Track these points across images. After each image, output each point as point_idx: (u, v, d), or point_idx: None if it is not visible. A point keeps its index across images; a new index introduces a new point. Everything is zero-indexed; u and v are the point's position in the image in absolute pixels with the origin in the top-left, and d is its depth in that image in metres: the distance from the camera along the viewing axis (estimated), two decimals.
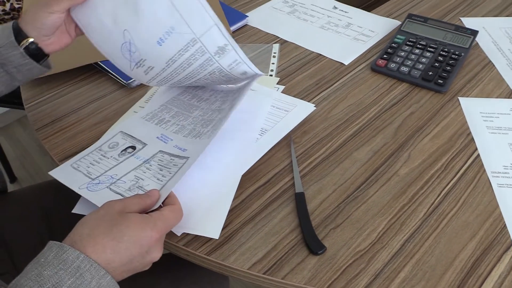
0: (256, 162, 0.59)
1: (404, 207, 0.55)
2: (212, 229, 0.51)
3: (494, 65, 0.75)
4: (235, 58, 0.58)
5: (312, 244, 0.51)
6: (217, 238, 0.51)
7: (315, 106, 0.66)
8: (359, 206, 0.55)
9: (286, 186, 0.57)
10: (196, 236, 0.52)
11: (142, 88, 0.73)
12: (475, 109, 0.67)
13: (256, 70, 0.59)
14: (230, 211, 0.54)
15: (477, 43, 0.80)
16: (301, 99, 0.68)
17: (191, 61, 0.58)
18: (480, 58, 0.77)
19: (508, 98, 0.69)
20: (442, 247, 0.50)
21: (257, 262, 0.50)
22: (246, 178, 0.58)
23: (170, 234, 0.52)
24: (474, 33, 0.77)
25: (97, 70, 0.77)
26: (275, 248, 0.51)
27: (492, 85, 0.71)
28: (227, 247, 0.51)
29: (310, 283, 0.48)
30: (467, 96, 0.69)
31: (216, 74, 0.61)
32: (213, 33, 0.54)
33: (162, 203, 0.50)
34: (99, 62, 0.76)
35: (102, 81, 0.75)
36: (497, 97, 0.69)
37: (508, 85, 0.71)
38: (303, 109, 0.66)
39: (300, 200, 0.55)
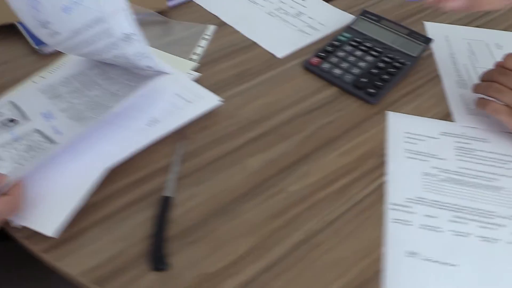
0: (137, 155, 0.54)
1: (278, 230, 0.48)
2: (49, 225, 0.46)
3: (441, 80, 0.66)
4: (142, 51, 0.53)
5: (154, 258, 0.45)
6: (52, 235, 0.46)
7: (222, 101, 0.59)
8: (228, 222, 0.49)
9: (159, 186, 0.52)
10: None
11: (55, 56, 0.68)
12: (401, 127, 0.59)
13: (162, 68, 0.55)
14: (87, 207, 0.48)
15: (433, 53, 0.71)
16: (215, 91, 0.62)
17: (96, 39, 0.53)
18: (429, 70, 0.68)
19: (444, 120, 0.61)
20: (300, 284, 0.44)
21: (92, 269, 0.44)
22: (119, 171, 0.52)
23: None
24: (428, 41, 0.68)
25: (15, 31, 0.71)
26: (118, 255, 0.46)
27: (431, 102, 0.63)
28: (68, 247, 0.46)
29: None
30: (398, 111, 0.61)
31: (122, 59, 0.55)
32: (121, 18, 0.50)
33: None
34: (15, 22, 0.70)
35: (15, 43, 0.70)
36: (431, 117, 0.61)
37: (448, 105, 0.62)
38: (207, 102, 0.59)
39: (164, 205, 0.50)
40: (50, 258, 0.45)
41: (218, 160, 0.54)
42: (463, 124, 0.60)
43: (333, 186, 0.52)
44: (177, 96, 0.60)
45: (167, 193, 0.51)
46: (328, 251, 0.47)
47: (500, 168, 0.55)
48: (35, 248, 0.45)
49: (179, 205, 0.50)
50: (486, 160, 0.56)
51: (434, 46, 0.71)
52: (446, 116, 0.61)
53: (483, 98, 0.58)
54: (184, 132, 0.57)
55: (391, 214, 0.50)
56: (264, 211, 0.50)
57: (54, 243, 0.46)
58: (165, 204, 0.50)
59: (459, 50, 0.71)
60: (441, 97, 0.64)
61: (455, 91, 0.65)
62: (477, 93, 0.59)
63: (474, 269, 0.46)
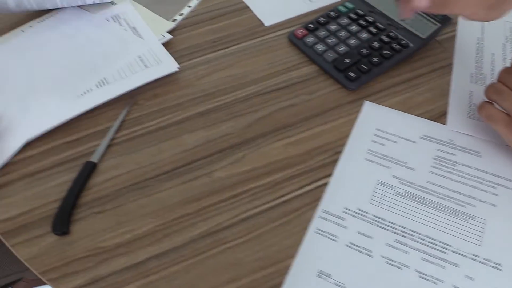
0: (83, 115, 0.52)
1: (185, 217, 0.44)
2: None
3: (452, 71, 0.53)
4: None
5: (56, 221, 0.44)
6: None
7: (179, 68, 0.55)
8: (141, 198, 0.45)
9: (90, 151, 0.50)
10: None
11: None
12: (373, 122, 0.49)
13: None
14: (15, 161, 0.49)
15: (456, 36, 0.57)
16: (182, 57, 0.57)
17: None
18: (442, 56, 0.55)
19: (433, 120, 0.49)
20: (186, 279, 0.40)
21: (2, 221, 0.45)
22: (61, 130, 0.51)
23: None
24: (445, 20, 0.55)
25: None
26: (29, 212, 0.45)
27: (426, 97, 0.51)
28: None
29: (31, 261, 0.42)
30: (379, 103, 0.51)
31: None
32: None
33: None
34: None
35: None
36: (418, 115, 0.50)
37: (447, 103, 0.50)
38: (164, 67, 0.55)
39: (84, 171, 0.48)
40: None
41: (156, 131, 0.51)
42: (455, 129, 0.48)
43: (264, 179, 0.46)
44: (138, 58, 0.56)
45: (93, 158, 0.49)
46: (228, 251, 0.41)
47: (483, 191, 0.43)
48: None
49: (101, 173, 0.48)
50: (467, 179, 0.44)
51: (460, 27, 0.57)
52: (439, 116, 0.50)
53: (486, 101, 0.46)
54: (135, 97, 0.54)
55: (316, 223, 0.42)
56: (180, 194, 0.45)
57: None
58: (86, 169, 0.48)
59: (493, 35, 0.57)
60: (443, 92, 0.52)
61: (465, 86, 0.52)
62: (485, 96, 0.47)
63: None
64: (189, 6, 0.65)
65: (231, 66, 0.57)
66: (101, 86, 0.54)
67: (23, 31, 0.61)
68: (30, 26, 0.61)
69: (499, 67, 0.53)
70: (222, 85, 0.55)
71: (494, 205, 0.43)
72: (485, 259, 0.39)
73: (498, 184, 0.44)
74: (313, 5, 0.63)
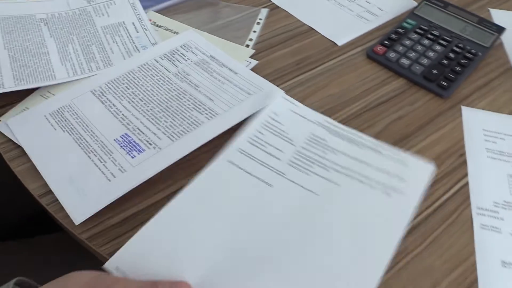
0: (199, 149, 0.50)
1: None
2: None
3: None
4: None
5: None
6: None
7: (285, 93, 0.55)
8: None
9: None
10: None
11: None
12: (478, 125, 0.55)
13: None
14: (151, 204, 0.45)
15: (502, 43, 0.66)
16: (274, 81, 0.57)
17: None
18: (501, 62, 0.63)
19: None
20: None
21: None
22: (182, 167, 0.49)
23: None
24: (500, 30, 0.64)
25: None
26: None
27: (507, 97, 0.59)
28: None
29: None
30: (472, 107, 0.57)
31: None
32: None
33: None
34: None
35: None
36: (509, 114, 0.57)
37: None
38: (269, 94, 0.55)
39: None
40: None
41: None
42: None
43: None
44: (237, 88, 0.55)
45: None
46: (416, 259, 0.43)
47: None
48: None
49: None
50: None
51: (503, 35, 0.66)
52: None
53: None
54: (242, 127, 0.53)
55: (478, 219, 0.46)
56: None
57: None
58: None
59: None
60: None
61: None
62: None
63: None
64: (254, 31, 0.65)
65: (326, 86, 0.58)
66: (211, 118, 0.52)
67: None
68: None
69: None
70: (327, 104, 0.56)
71: None
72: None
73: None
74: (371, 24, 0.67)
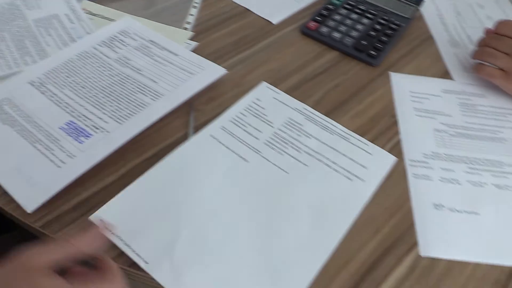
0: (147, 130, 0.51)
1: None
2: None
3: (434, 41, 0.68)
4: None
5: None
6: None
7: (227, 70, 0.57)
8: None
9: None
10: None
11: None
12: (405, 87, 0.60)
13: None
14: (104, 187, 0.46)
15: (422, 15, 0.72)
16: (215, 60, 0.59)
17: None
18: (422, 31, 0.69)
19: (443, 78, 0.62)
20: (341, 244, 0.44)
21: None
22: (132, 148, 0.49)
23: None
24: (419, 2, 0.69)
25: None
26: None
27: (428, 62, 0.64)
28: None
29: None
30: (399, 72, 0.62)
31: None
32: None
33: None
34: None
35: None
36: (431, 76, 0.62)
37: (444, 64, 0.64)
38: (211, 72, 0.57)
39: None
40: None
41: None
42: (461, 81, 0.62)
43: None
44: (179, 69, 0.56)
45: None
46: (360, 212, 0.47)
47: (501, 121, 0.58)
48: None
49: None
50: (488, 114, 0.58)
51: (422, 7, 0.72)
52: (445, 74, 0.63)
53: (480, 63, 0.60)
54: (193, 104, 0.54)
55: (411, 170, 0.51)
56: None
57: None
58: None
59: (446, 11, 0.73)
60: (437, 57, 0.65)
61: (449, 50, 0.66)
62: (474, 59, 0.61)
63: (495, 216, 0.48)
64: (192, 15, 0.66)
65: (265, 62, 0.61)
66: (157, 99, 0.53)
67: None
68: None
69: (462, 33, 0.69)
70: (268, 79, 0.59)
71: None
72: None
73: (508, 113, 0.58)
74: (303, 2, 0.71)
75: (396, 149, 0.53)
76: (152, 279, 0.39)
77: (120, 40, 0.60)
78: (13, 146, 0.48)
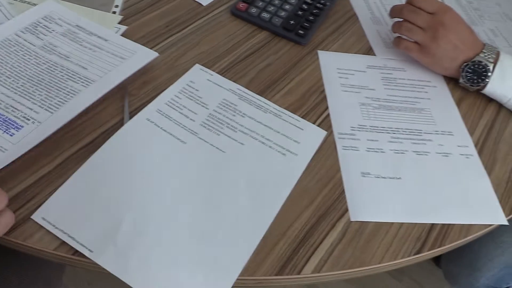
0: (81, 118, 0.50)
1: None
2: None
3: (358, 18, 0.72)
4: None
5: None
6: None
7: (159, 53, 0.57)
8: None
9: None
10: None
11: None
12: (332, 65, 0.63)
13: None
14: (40, 178, 0.45)
15: None
16: (146, 43, 0.59)
17: None
18: (346, 9, 0.73)
19: (367, 54, 0.66)
20: (278, 217, 0.47)
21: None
22: (67, 138, 0.49)
23: None
24: None
25: None
26: None
27: (353, 39, 0.68)
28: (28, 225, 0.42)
29: None
30: (326, 50, 0.65)
31: None
32: None
33: None
34: None
35: None
36: (355, 53, 0.66)
37: (368, 41, 0.68)
38: (143, 56, 0.56)
39: None
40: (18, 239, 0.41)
41: None
42: (383, 57, 0.66)
43: None
44: (110, 54, 0.56)
45: None
46: (296, 185, 0.50)
47: (419, 92, 0.63)
48: None
49: None
50: (407, 87, 0.63)
51: None
52: (368, 50, 0.67)
53: (399, 37, 0.64)
54: (127, 89, 0.54)
55: (340, 143, 0.54)
56: None
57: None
58: None
59: None
60: (361, 34, 0.69)
61: (371, 27, 0.70)
62: (394, 32, 0.65)
63: (415, 179, 0.53)
64: None
65: (197, 44, 0.62)
66: (88, 85, 0.52)
67: None
68: None
69: (383, 10, 0.74)
70: (200, 61, 0.59)
71: (429, 98, 0.62)
72: (441, 131, 0.59)
73: (425, 85, 0.64)
74: None
75: (326, 124, 0.56)
76: (97, 265, 0.40)
77: (45, 26, 0.58)
78: None
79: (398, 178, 0.53)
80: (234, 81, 0.57)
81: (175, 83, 0.56)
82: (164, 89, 0.55)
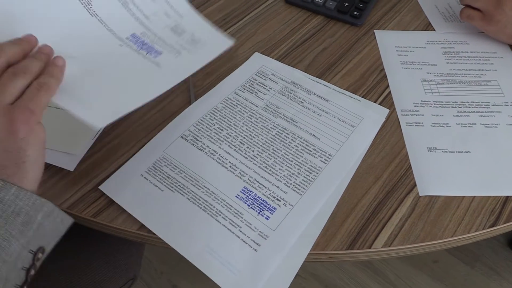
0: (151, 110, 0.53)
1: None
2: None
3: None
4: None
5: None
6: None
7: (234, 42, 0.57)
8: None
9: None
10: (82, 197, 0.46)
11: None
12: (390, 43, 0.63)
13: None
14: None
15: None
16: None
17: None
18: None
19: (425, 30, 0.65)
20: (345, 193, 0.48)
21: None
22: (140, 129, 0.52)
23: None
24: None
25: None
26: None
27: (410, 16, 0.67)
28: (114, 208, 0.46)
29: None
30: (383, 29, 0.65)
31: None
32: None
33: None
34: None
35: None
36: (414, 30, 0.65)
37: (426, 17, 0.67)
38: (218, 44, 0.54)
39: None
40: (104, 221, 0.45)
41: None
42: (443, 31, 0.65)
43: None
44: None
45: None
46: (362, 163, 0.50)
47: (484, 64, 0.60)
48: (85, 214, 0.45)
49: None
50: (471, 59, 0.61)
51: None
52: (427, 26, 0.65)
53: (464, 7, 0.62)
54: (189, 81, 0.57)
55: (403, 119, 0.54)
56: None
57: (101, 208, 0.46)
58: None
59: None
60: (418, 10, 0.68)
61: (429, 2, 0.69)
62: (460, 3, 0.62)
63: (485, 152, 0.51)
64: None
65: (254, 34, 0.63)
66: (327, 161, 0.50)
67: None
68: None
69: None
70: (259, 49, 0.61)
71: (495, 70, 0.60)
72: (511, 102, 0.56)
73: (490, 57, 0.61)
74: None
75: (387, 102, 0.56)
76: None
77: (260, 83, 0.57)
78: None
79: (467, 152, 0.51)
80: (292, 66, 0.59)
81: (237, 70, 0.58)
82: (226, 77, 0.57)
